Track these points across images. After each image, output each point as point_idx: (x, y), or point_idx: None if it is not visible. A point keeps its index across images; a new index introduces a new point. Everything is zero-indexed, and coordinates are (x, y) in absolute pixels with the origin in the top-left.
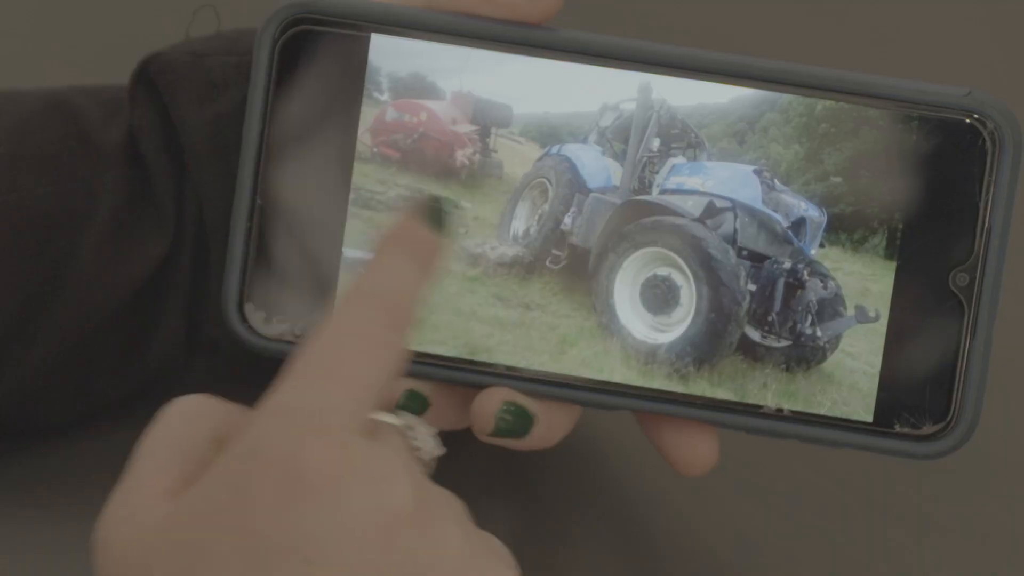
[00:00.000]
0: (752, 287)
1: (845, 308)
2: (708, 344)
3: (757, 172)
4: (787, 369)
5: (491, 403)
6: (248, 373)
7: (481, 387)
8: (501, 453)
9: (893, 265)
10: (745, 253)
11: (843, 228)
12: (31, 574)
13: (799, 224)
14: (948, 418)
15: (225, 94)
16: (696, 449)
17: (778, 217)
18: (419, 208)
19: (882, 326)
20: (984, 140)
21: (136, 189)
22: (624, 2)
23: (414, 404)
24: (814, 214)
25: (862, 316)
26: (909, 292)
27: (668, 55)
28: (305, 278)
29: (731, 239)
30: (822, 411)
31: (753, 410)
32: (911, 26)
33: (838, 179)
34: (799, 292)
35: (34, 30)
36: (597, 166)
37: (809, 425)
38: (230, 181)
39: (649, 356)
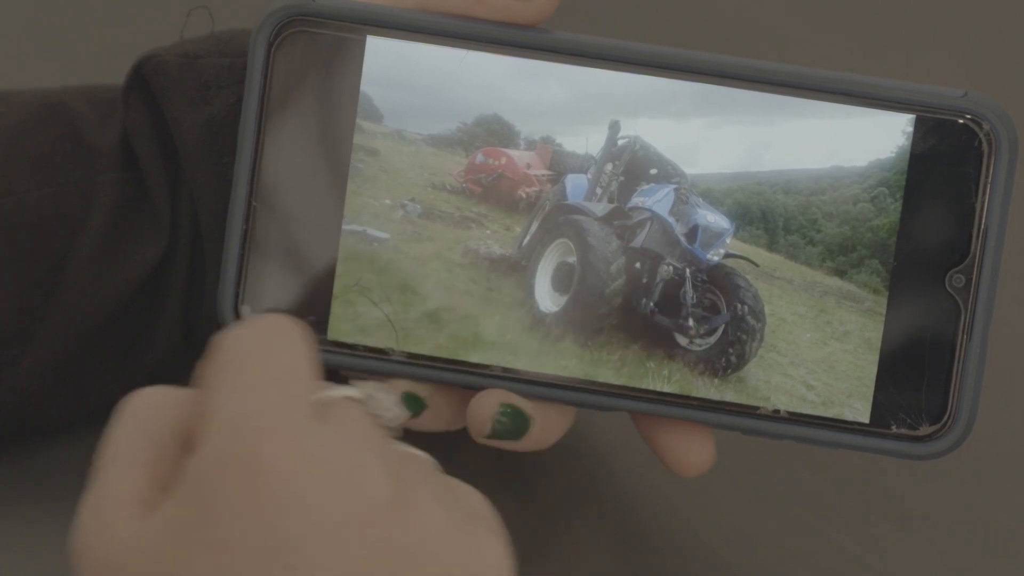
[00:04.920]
0: (645, 280)
1: (724, 307)
2: (583, 317)
3: (675, 187)
4: (673, 355)
5: (487, 406)
6: None
7: (477, 388)
8: (498, 452)
9: (888, 268)
10: (647, 252)
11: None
12: (31, 573)
13: (694, 231)
14: (945, 419)
15: (219, 96)
16: (691, 450)
17: (675, 223)
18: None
19: (879, 327)
20: (980, 141)
21: (131, 191)
22: (622, 4)
23: (411, 405)
24: (714, 223)
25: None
26: (905, 293)
27: (664, 57)
28: (301, 280)
29: (639, 240)
30: (811, 412)
31: (750, 411)
32: (908, 28)
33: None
34: (680, 289)
35: (28, 30)
36: (580, 185)
37: (806, 426)
38: (225, 183)
39: (539, 323)
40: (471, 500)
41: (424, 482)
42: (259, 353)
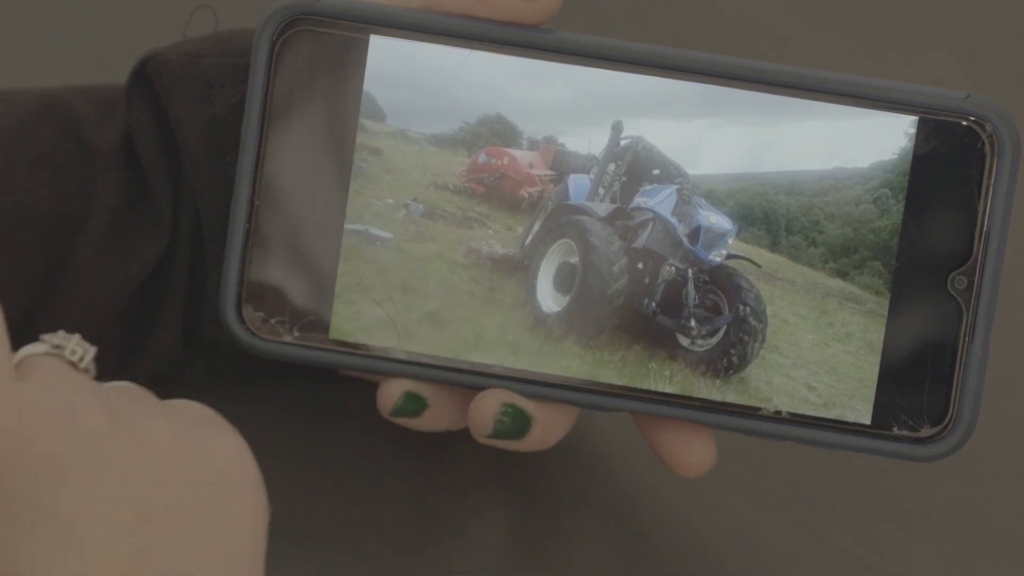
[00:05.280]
0: (647, 281)
1: (726, 308)
2: (585, 317)
3: (678, 188)
4: (675, 356)
5: (489, 406)
6: (246, 373)
7: (478, 388)
8: (499, 452)
9: (890, 269)
10: (649, 253)
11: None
12: None
13: (696, 232)
14: (946, 421)
15: (222, 95)
16: (693, 451)
17: (677, 224)
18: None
19: (881, 328)
20: (983, 143)
21: (132, 190)
22: (623, 4)
23: (412, 405)
24: (716, 224)
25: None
26: (907, 295)
27: (667, 57)
28: (303, 279)
29: (641, 241)
30: (813, 413)
31: (751, 412)
32: (908, 28)
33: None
34: (683, 289)
35: (30, 29)
36: (582, 185)
37: (807, 428)
38: (227, 182)
39: (541, 323)
40: (192, 409)
41: (141, 406)
42: None
